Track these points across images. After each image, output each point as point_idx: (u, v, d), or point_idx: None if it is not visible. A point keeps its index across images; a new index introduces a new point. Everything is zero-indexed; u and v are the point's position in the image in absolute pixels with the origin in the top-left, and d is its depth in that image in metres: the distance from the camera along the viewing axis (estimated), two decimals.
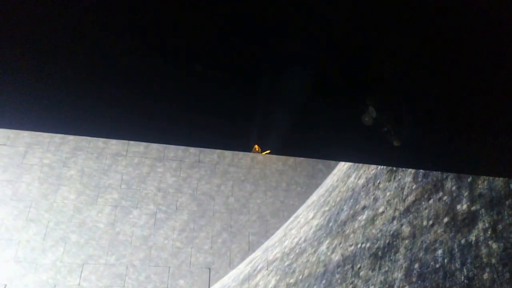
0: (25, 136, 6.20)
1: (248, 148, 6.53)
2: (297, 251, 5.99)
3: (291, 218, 6.14)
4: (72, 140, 6.23)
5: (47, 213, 5.45)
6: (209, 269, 5.59)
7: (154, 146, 6.12)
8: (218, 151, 6.26)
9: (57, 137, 6.26)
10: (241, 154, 6.25)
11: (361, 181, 6.50)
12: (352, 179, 6.66)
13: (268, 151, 6.57)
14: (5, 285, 5.29)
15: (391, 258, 5.39)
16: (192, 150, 6.23)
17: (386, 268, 5.34)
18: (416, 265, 5.17)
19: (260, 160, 6.32)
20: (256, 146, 6.44)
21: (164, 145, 6.21)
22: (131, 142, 6.19)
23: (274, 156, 6.33)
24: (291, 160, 6.43)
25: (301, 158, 6.41)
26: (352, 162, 6.73)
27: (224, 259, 5.62)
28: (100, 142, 6.16)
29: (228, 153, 6.25)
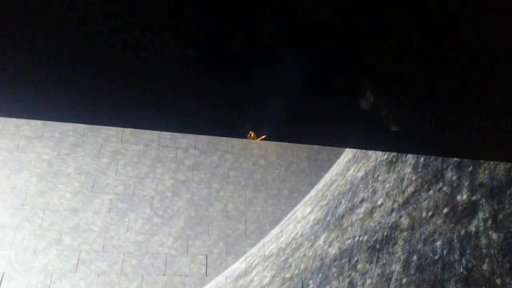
0: (25, 130, 5.72)
1: (243, 135, 6.03)
2: (293, 246, 5.81)
3: (288, 215, 5.66)
4: (71, 135, 5.76)
5: (42, 212, 5.02)
6: (204, 280, 5.10)
7: (154, 145, 5.61)
8: (219, 153, 5.73)
9: (57, 132, 5.78)
10: (242, 157, 5.72)
11: (360, 173, 6.36)
12: (351, 172, 6.50)
13: (263, 137, 6.08)
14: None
15: (389, 250, 5.28)
16: (192, 151, 5.71)
17: (384, 261, 5.23)
18: (415, 257, 5.06)
19: (262, 165, 5.79)
20: (252, 133, 5.95)
21: (165, 144, 5.68)
22: (132, 140, 5.68)
23: (276, 161, 5.80)
24: (294, 166, 5.90)
25: (305, 164, 5.87)
26: (351, 148, 6.65)
27: (219, 271, 5.16)
28: (99, 138, 5.68)
29: (229, 156, 5.73)
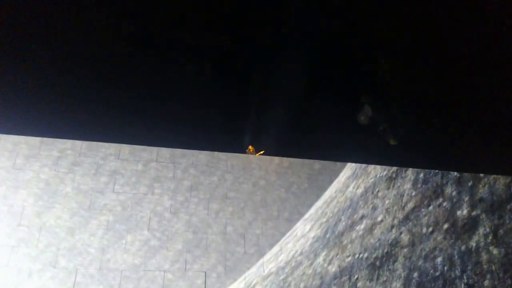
0: (23, 148, 5.55)
1: (242, 150, 5.92)
2: (292, 264, 5.69)
3: (288, 233, 5.47)
4: (70, 154, 5.59)
5: (38, 233, 4.82)
6: None
7: (153, 164, 5.44)
8: (219, 172, 5.54)
9: (55, 150, 5.61)
10: (242, 178, 5.54)
11: (360, 190, 6.27)
12: (350, 189, 6.42)
13: (262, 152, 5.96)
14: None
15: (390, 267, 5.17)
16: (191, 170, 5.54)
17: (385, 278, 5.11)
18: (415, 274, 4.95)
19: (262, 186, 5.61)
20: (250, 147, 5.84)
21: (164, 164, 5.49)
22: (130, 159, 5.50)
23: (276, 182, 5.62)
24: (294, 186, 5.71)
25: (306, 185, 5.69)
26: (349, 162, 6.60)
27: None
28: (98, 157, 5.50)
29: (229, 176, 5.56)
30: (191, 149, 6.02)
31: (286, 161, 6.25)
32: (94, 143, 6.00)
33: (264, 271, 5.47)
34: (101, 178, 5.73)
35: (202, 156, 6.02)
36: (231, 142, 5.84)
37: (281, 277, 5.57)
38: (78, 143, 5.95)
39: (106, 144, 6.02)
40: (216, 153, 6.14)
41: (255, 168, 6.15)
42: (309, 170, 6.21)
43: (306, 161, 6.26)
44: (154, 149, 5.97)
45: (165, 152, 6.00)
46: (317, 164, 6.29)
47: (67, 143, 5.92)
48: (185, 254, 5.38)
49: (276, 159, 6.21)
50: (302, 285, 5.49)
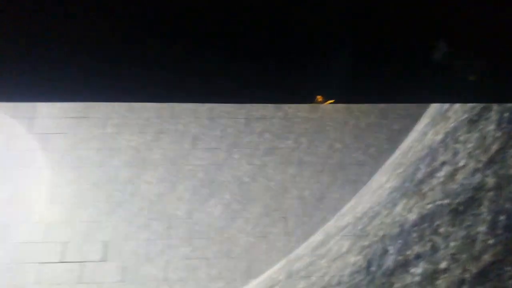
0: (114, 117, 5.70)
1: (311, 100, 5.64)
2: (370, 214, 5.51)
3: (363, 187, 5.26)
4: (155, 122, 5.63)
5: (132, 197, 4.99)
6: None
7: (230, 130, 5.41)
8: (293, 136, 5.32)
9: (141, 119, 5.70)
10: (317, 141, 5.28)
11: (439, 136, 5.78)
12: (429, 136, 5.93)
13: (332, 101, 5.65)
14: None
15: (474, 212, 4.83)
16: (267, 135, 5.40)
17: (469, 223, 4.80)
18: (502, 217, 4.62)
19: (337, 148, 5.31)
20: (319, 97, 5.56)
21: (241, 129, 5.37)
22: (210, 125, 5.43)
23: (353, 146, 5.31)
24: (372, 149, 5.34)
25: (385, 146, 5.37)
26: (426, 102, 5.99)
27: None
28: (180, 124, 5.48)
29: (303, 139, 5.35)
30: (258, 103, 5.78)
31: (363, 122, 5.83)
32: (175, 110, 5.97)
33: (341, 223, 5.35)
34: (185, 145, 5.73)
35: (276, 121, 5.76)
36: (298, 93, 5.55)
37: (359, 227, 5.49)
38: (161, 111, 5.95)
39: (187, 111, 5.97)
40: (290, 115, 5.88)
41: (330, 130, 5.79)
42: (388, 131, 5.74)
43: (384, 121, 5.80)
44: (231, 115, 5.82)
45: (241, 117, 5.83)
46: (396, 124, 5.79)
47: (151, 111, 5.95)
48: (264, 218, 5.31)
49: (352, 120, 5.81)
50: (381, 233, 5.35)
